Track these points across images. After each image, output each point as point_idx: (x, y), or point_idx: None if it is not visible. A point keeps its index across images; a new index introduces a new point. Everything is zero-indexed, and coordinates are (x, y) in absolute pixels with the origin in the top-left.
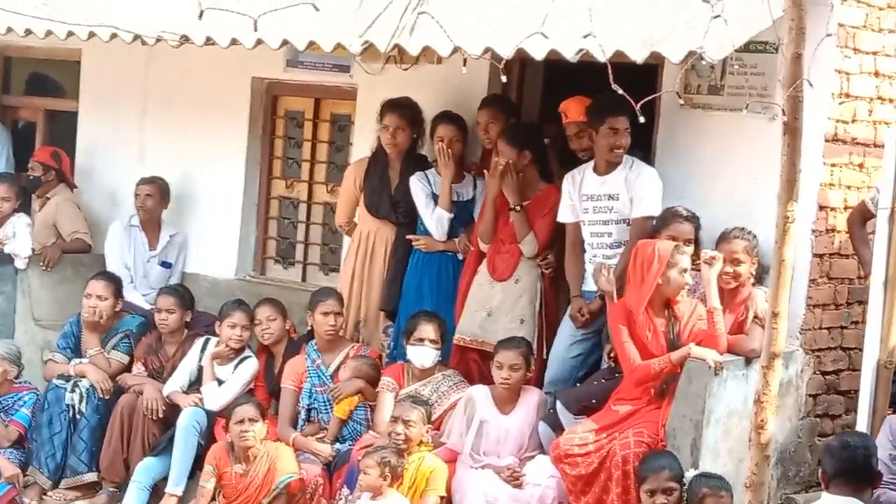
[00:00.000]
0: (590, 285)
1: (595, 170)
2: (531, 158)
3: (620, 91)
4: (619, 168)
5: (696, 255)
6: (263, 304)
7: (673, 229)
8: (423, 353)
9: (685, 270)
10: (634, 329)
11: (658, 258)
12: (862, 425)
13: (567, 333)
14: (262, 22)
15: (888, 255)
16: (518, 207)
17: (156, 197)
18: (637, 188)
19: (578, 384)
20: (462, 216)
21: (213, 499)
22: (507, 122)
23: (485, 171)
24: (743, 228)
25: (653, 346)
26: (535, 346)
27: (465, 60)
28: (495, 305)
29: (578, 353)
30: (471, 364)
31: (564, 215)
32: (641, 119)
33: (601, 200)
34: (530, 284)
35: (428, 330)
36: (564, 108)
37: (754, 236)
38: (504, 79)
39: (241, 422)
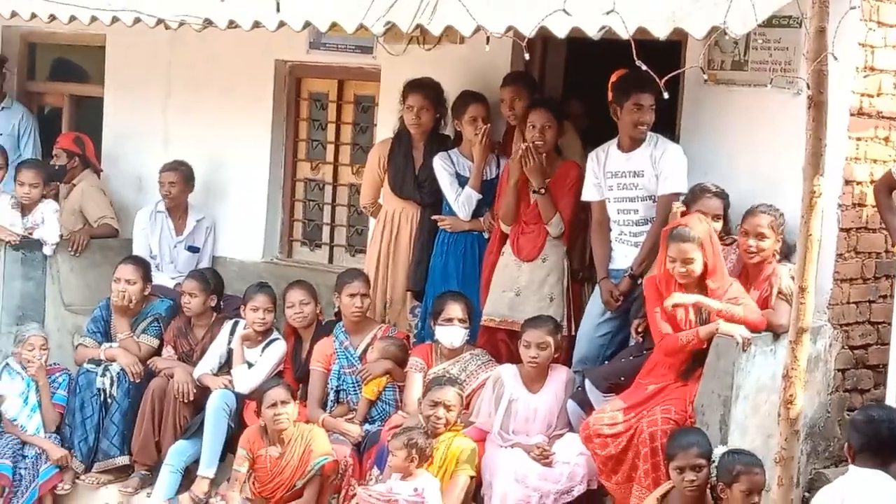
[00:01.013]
0: (616, 263)
1: (619, 147)
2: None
3: (644, 67)
4: (643, 145)
5: (724, 231)
6: (296, 287)
7: (701, 205)
8: (452, 333)
9: (689, 261)
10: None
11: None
12: (891, 399)
13: (595, 312)
14: (285, 4)
15: None
16: (543, 190)
17: (180, 183)
18: (663, 165)
19: (607, 362)
20: (487, 196)
21: (245, 482)
22: (531, 99)
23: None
24: (770, 205)
25: (683, 322)
26: (564, 323)
27: (487, 39)
28: (523, 285)
29: (606, 331)
30: (499, 344)
31: (589, 194)
32: (666, 95)
33: (626, 177)
34: (557, 263)
35: (456, 309)
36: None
37: (781, 214)
38: (527, 56)
39: (274, 405)
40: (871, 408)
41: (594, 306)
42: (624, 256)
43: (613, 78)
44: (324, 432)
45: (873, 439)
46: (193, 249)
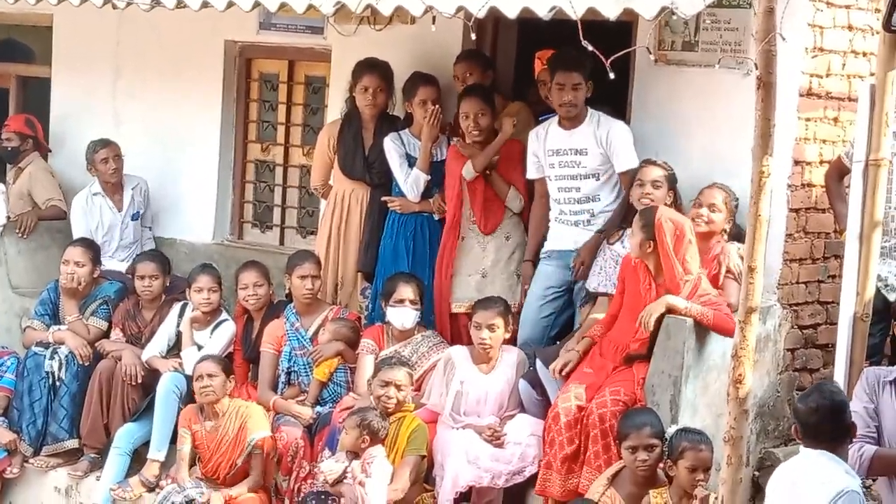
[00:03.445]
0: (553, 244)
1: (561, 125)
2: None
3: (591, 48)
4: (585, 122)
5: (673, 206)
6: (249, 268)
7: (642, 173)
8: (403, 314)
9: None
10: (635, 284)
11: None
12: (839, 378)
13: (536, 294)
14: None
15: (863, 208)
16: (488, 173)
17: (120, 155)
18: (613, 145)
19: (558, 342)
20: (436, 177)
21: (194, 464)
22: (484, 76)
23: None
24: (726, 185)
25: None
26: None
27: (433, 19)
28: (489, 265)
29: (549, 312)
30: (461, 329)
31: (531, 172)
32: (612, 75)
33: (568, 155)
34: (520, 239)
35: (407, 291)
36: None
37: (736, 197)
38: (473, 37)
39: (200, 377)
40: (810, 394)
41: (536, 288)
42: (561, 237)
43: (543, 56)
44: (261, 410)
45: (812, 427)
46: (136, 217)
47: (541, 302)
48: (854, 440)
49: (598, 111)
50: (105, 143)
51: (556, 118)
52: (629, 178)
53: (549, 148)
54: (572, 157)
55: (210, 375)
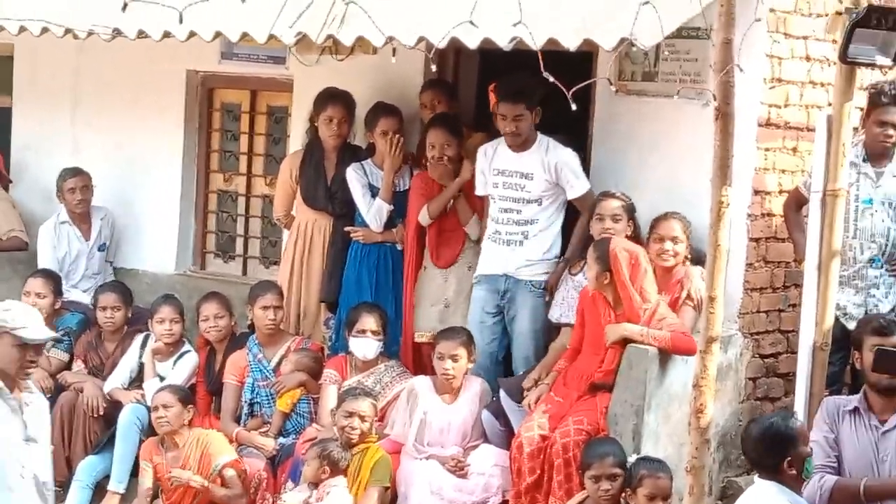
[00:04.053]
0: (484, 268)
1: (509, 146)
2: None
3: (552, 79)
4: (534, 147)
5: (633, 235)
6: (211, 299)
7: (600, 207)
8: (365, 345)
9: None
10: (595, 316)
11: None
12: (799, 407)
13: (475, 320)
14: (194, 14)
15: (821, 237)
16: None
17: (90, 185)
18: (562, 173)
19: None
20: (399, 207)
21: (157, 496)
22: (452, 105)
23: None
24: (677, 212)
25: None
26: None
27: (394, 50)
28: (451, 296)
29: (491, 338)
30: (424, 359)
31: (479, 189)
32: (573, 107)
33: (514, 177)
34: None
35: (369, 321)
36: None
37: (688, 220)
38: (434, 68)
39: (156, 409)
40: (750, 425)
41: (473, 316)
42: (491, 260)
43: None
44: (222, 436)
45: (755, 457)
46: (102, 248)
47: (480, 330)
48: (815, 471)
49: (548, 137)
50: (75, 172)
51: (503, 138)
52: (584, 204)
53: (495, 167)
54: (517, 179)
55: (165, 406)
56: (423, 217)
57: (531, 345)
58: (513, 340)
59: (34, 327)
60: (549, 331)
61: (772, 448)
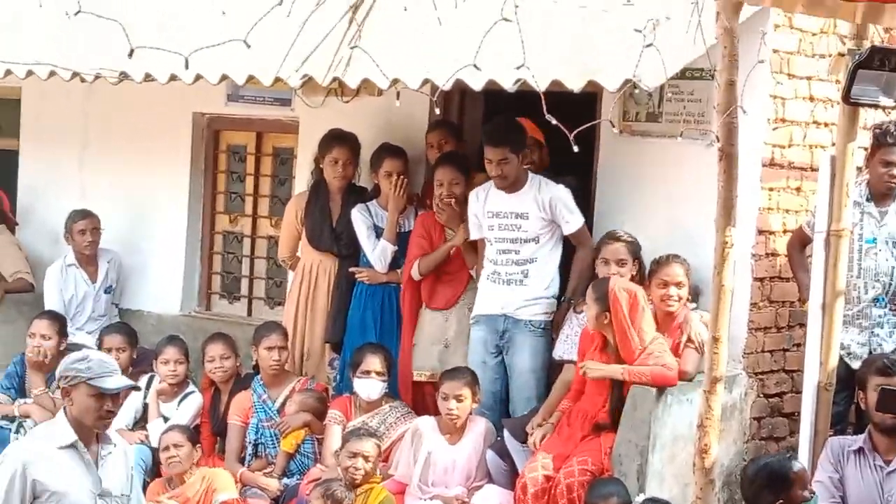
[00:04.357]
0: (483, 307)
1: (499, 188)
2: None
3: (554, 122)
4: (526, 186)
5: (639, 278)
6: (216, 340)
7: (605, 251)
8: (369, 386)
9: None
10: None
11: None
12: (804, 447)
13: (476, 361)
14: (199, 58)
15: (825, 277)
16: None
17: (99, 228)
18: (557, 210)
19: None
20: (404, 248)
21: None
22: (460, 144)
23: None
24: (677, 255)
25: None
26: None
27: (398, 93)
28: (452, 336)
29: (494, 377)
30: (426, 398)
31: (473, 233)
32: (576, 149)
33: (509, 218)
34: None
35: (374, 362)
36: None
37: (686, 260)
38: (438, 111)
39: (167, 448)
40: (748, 465)
41: (474, 357)
42: (489, 300)
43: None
44: (227, 473)
45: (752, 497)
46: (109, 290)
47: (483, 370)
48: None
49: (538, 175)
50: (85, 215)
51: (493, 181)
52: (580, 238)
53: (489, 210)
54: (513, 220)
55: (176, 445)
56: (415, 272)
57: (532, 385)
58: (512, 381)
59: (111, 376)
60: (550, 370)
61: (763, 489)
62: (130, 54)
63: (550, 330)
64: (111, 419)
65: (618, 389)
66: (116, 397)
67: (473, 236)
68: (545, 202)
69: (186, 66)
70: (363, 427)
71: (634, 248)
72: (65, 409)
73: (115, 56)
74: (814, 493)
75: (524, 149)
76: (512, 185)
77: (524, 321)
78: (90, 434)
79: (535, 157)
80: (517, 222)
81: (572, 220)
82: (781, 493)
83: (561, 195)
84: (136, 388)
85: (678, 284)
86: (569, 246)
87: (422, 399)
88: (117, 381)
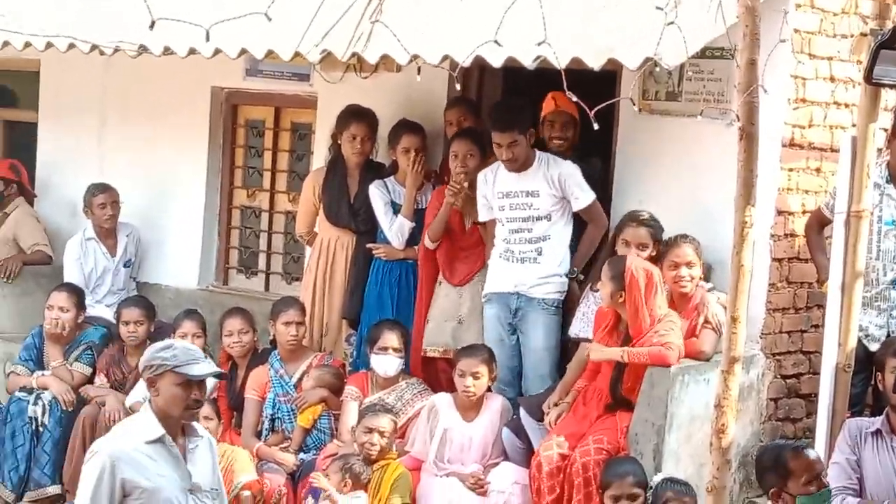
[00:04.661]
0: (495, 285)
1: (508, 170)
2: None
3: (574, 98)
4: (534, 165)
5: (656, 259)
6: (235, 315)
7: (627, 233)
8: (386, 362)
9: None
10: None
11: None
12: (821, 428)
13: (492, 338)
14: (218, 31)
15: (844, 259)
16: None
17: (118, 201)
18: (567, 186)
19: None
20: (421, 224)
21: None
22: (476, 123)
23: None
24: (687, 234)
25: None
26: None
27: (419, 69)
28: (466, 313)
29: (511, 353)
30: (440, 374)
31: (482, 214)
32: (596, 126)
33: (519, 197)
34: None
35: (391, 338)
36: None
37: (695, 239)
38: (458, 87)
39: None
40: (763, 451)
41: (490, 334)
42: (502, 278)
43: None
44: (247, 454)
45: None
46: (128, 264)
47: (500, 347)
48: (836, 492)
49: (545, 153)
50: (104, 188)
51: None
52: (591, 214)
53: (498, 190)
54: (524, 199)
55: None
56: (428, 242)
57: (546, 363)
58: (525, 358)
59: (197, 363)
60: (565, 348)
61: (764, 474)
62: (152, 26)
63: (562, 308)
64: (198, 409)
65: (618, 371)
66: (203, 386)
67: (483, 218)
68: (554, 179)
69: (207, 39)
70: (380, 403)
71: (657, 232)
72: (149, 401)
73: (135, 29)
74: (825, 487)
75: (532, 127)
76: (521, 165)
77: (538, 299)
78: (176, 426)
79: (569, 133)
80: (528, 200)
81: (582, 196)
82: (777, 482)
83: (570, 171)
84: (224, 376)
85: (689, 264)
86: (578, 226)
87: (435, 375)
88: (204, 367)
